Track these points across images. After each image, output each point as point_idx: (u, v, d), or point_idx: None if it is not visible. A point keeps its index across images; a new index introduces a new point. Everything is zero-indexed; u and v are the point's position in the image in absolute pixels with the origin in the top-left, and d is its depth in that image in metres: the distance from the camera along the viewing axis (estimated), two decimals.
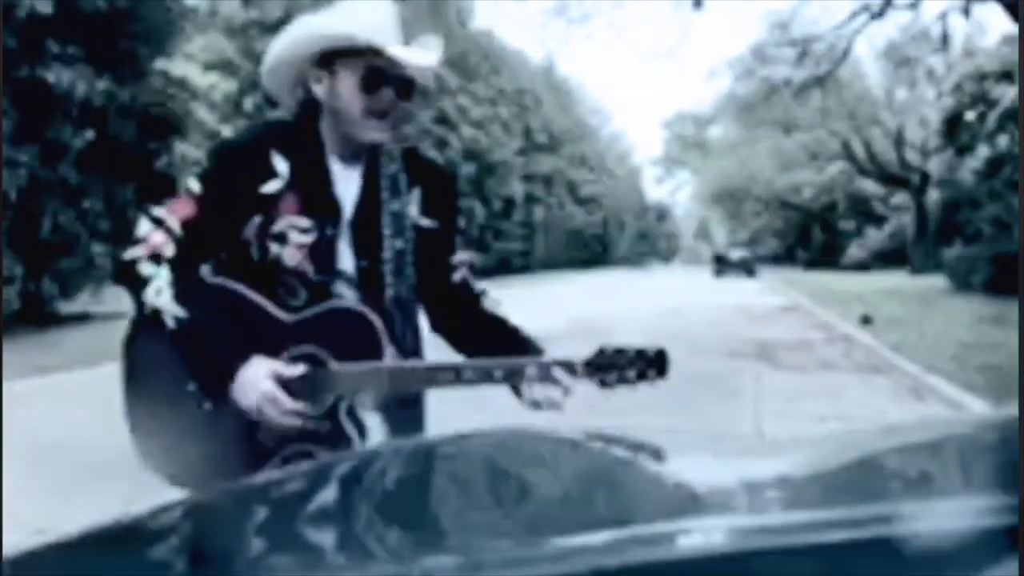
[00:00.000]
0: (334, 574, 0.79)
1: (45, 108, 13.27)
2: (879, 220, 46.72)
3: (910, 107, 38.76)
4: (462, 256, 1.95)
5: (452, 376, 1.75)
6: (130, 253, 1.77)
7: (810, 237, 55.16)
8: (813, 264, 50.60)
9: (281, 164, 1.80)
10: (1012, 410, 1.32)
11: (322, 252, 1.81)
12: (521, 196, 49.15)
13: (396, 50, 1.75)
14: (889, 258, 42.30)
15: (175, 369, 1.78)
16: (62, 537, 0.91)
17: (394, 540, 0.89)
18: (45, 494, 4.43)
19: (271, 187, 1.79)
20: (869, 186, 45.08)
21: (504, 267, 40.78)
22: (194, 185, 1.81)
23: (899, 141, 38.10)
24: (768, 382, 8.88)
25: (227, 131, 25.54)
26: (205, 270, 1.87)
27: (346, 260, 1.83)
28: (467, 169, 40.24)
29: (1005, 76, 20.66)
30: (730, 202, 58.28)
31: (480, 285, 1.98)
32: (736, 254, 48.50)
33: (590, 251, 62.32)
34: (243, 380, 1.72)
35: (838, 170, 45.14)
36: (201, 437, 1.78)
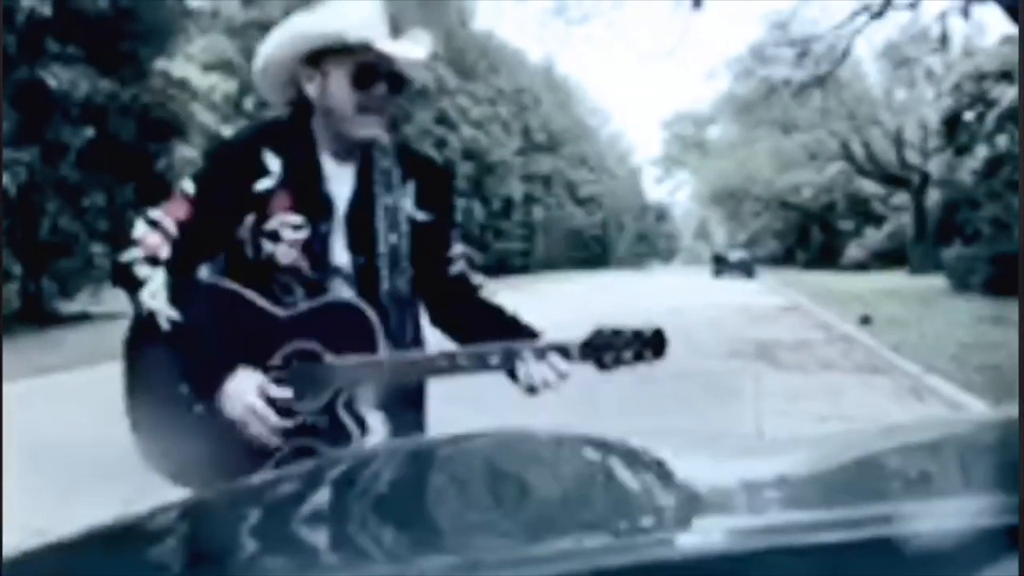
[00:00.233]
0: (331, 574, 0.79)
1: (45, 108, 13.27)
2: (878, 220, 46.71)
3: (909, 107, 38.76)
4: (459, 249, 1.96)
5: (448, 364, 1.76)
6: (126, 255, 1.78)
7: (809, 237, 55.14)
8: (812, 264, 50.58)
9: (273, 162, 1.81)
10: (1012, 410, 1.32)
11: (316, 249, 1.81)
12: (520, 196, 49.15)
13: (386, 45, 1.76)
14: (888, 258, 42.28)
15: (171, 370, 1.79)
16: (61, 537, 0.91)
17: (391, 541, 0.89)
18: (45, 494, 4.43)
19: (263, 185, 1.80)
20: (868, 186, 45.07)
21: (503, 267, 40.77)
22: (188, 186, 1.82)
23: (898, 141, 38.10)
24: (768, 382, 8.88)
25: (227, 132, 25.55)
26: (203, 271, 1.87)
27: (341, 256, 1.84)
28: (466, 169, 40.24)
29: (1004, 76, 20.66)
30: (729, 202, 58.26)
31: (478, 278, 1.98)
32: (735, 255, 48.48)
33: (589, 251, 62.32)
34: (229, 392, 1.73)
35: (837, 170, 45.11)
36: (198, 437, 1.78)
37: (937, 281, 23.82)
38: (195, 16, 17.99)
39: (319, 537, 0.98)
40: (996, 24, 40.09)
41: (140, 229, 1.79)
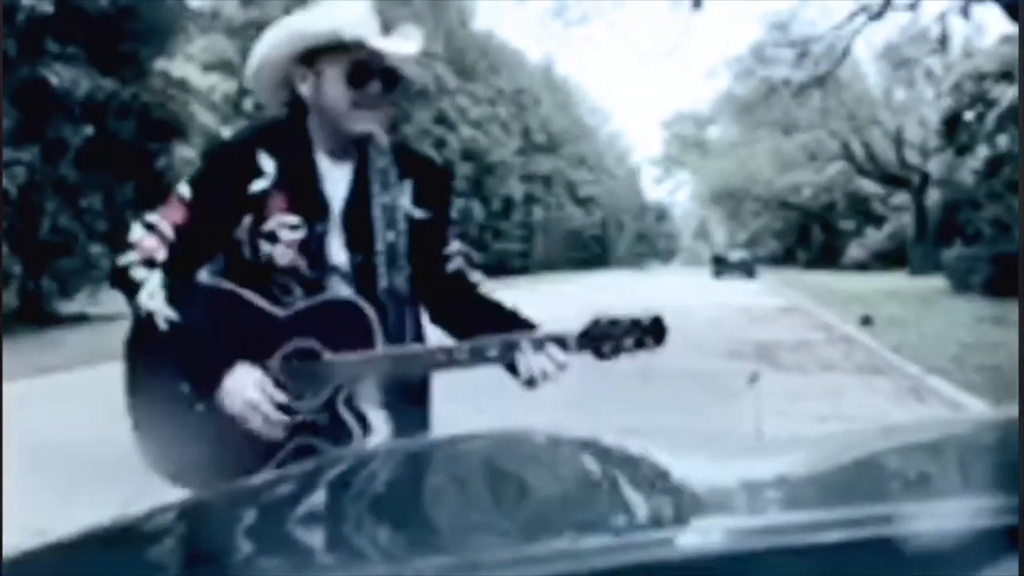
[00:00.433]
0: (330, 575, 0.79)
1: (45, 107, 13.27)
2: (879, 220, 46.70)
3: (909, 107, 38.77)
4: (456, 246, 1.96)
5: (446, 358, 1.76)
6: (123, 259, 1.79)
7: (810, 237, 55.14)
8: (813, 264, 50.58)
9: (268, 163, 1.81)
10: (1012, 411, 1.32)
11: (313, 248, 1.82)
12: (520, 196, 49.16)
13: (378, 42, 1.77)
14: (889, 258, 42.28)
15: (171, 371, 1.79)
16: (61, 537, 0.91)
17: (390, 541, 0.89)
18: (45, 494, 4.43)
19: (259, 186, 1.80)
20: (869, 186, 45.06)
21: (503, 267, 40.77)
22: (184, 189, 1.82)
23: (898, 141, 38.10)
24: (768, 383, 8.87)
25: (227, 132, 25.55)
26: (203, 274, 1.88)
27: (339, 255, 1.84)
28: (466, 169, 40.25)
29: (1004, 76, 20.66)
30: (729, 202, 58.25)
31: (476, 275, 1.98)
32: (736, 255, 48.41)
33: (589, 251, 62.33)
34: (228, 388, 1.73)
35: (837, 170, 45.11)
36: (199, 437, 1.79)
37: (937, 281, 23.83)
38: (195, 16, 17.99)
39: (318, 538, 0.98)
40: (996, 24, 40.08)
41: (137, 233, 1.80)
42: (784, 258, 57.09)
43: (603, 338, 1.74)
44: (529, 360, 1.73)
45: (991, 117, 21.15)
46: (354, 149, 1.87)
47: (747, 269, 44.29)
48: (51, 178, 13.61)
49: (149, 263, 1.77)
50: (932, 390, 8.13)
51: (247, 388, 1.73)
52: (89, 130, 13.78)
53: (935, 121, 29.74)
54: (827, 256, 49.80)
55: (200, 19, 19.04)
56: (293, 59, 1.81)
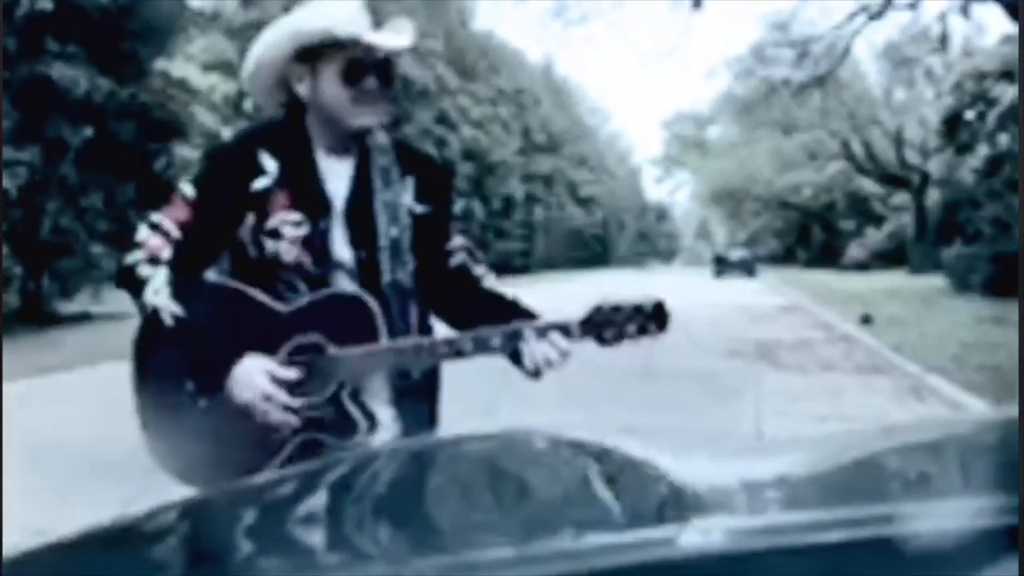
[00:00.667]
0: (330, 574, 0.79)
1: (45, 105, 13.27)
2: (879, 220, 46.67)
3: (909, 107, 38.76)
4: (459, 241, 1.97)
5: (449, 349, 1.77)
6: (129, 258, 1.81)
7: (810, 237, 55.12)
8: (813, 264, 50.57)
9: (269, 163, 1.83)
10: (1012, 410, 1.32)
11: (316, 244, 1.83)
12: (521, 196, 49.17)
13: (372, 37, 1.79)
14: (889, 258, 42.24)
15: (177, 368, 1.81)
16: (61, 537, 0.91)
17: (392, 541, 0.89)
18: (45, 494, 4.43)
19: (261, 184, 1.82)
20: (869, 186, 45.03)
21: (504, 267, 40.76)
22: (187, 189, 1.84)
23: (898, 141, 38.08)
24: (768, 382, 8.88)
25: (227, 132, 25.55)
26: (209, 275, 1.89)
27: (343, 251, 1.86)
28: (467, 169, 40.26)
29: (1005, 75, 20.65)
30: (729, 202, 58.23)
31: (480, 269, 1.99)
32: (736, 254, 48.40)
33: (590, 251, 62.35)
34: (237, 377, 1.74)
35: (837, 170, 45.10)
36: (206, 434, 1.80)
37: (937, 281, 23.81)
38: (195, 16, 17.99)
39: (318, 537, 0.98)
40: (996, 23, 40.07)
41: (143, 232, 1.82)
42: (784, 257, 57.07)
43: (605, 324, 1.74)
44: (533, 349, 1.74)
45: (992, 116, 21.14)
46: (354, 146, 1.88)
47: (747, 268, 44.28)
48: (52, 178, 13.61)
49: (154, 261, 1.78)
50: (932, 390, 8.12)
51: (256, 376, 1.74)
52: (89, 131, 13.78)
53: (935, 120, 29.73)
54: (827, 256, 49.77)
55: (200, 19, 19.02)
56: (289, 59, 1.83)
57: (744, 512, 0.87)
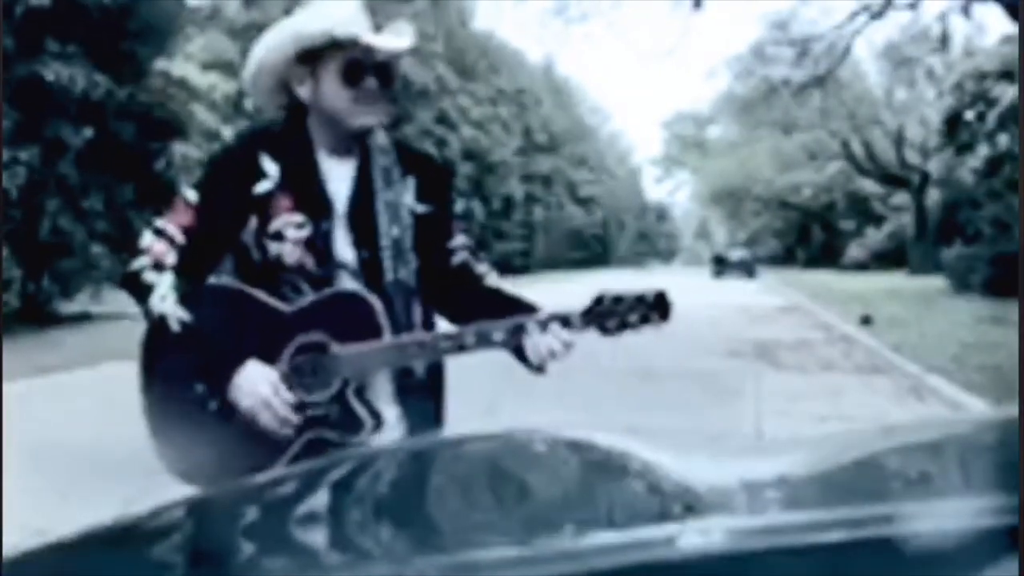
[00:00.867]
0: (331, 574, 0.79)
1: (43, 105, 13.26)
2: (879, 220, 46.67)
3: (910, 107, 38.76)
4: (460, 240, 1.99)
5: (452, 344, 1.79)
6: (135, 264, 1.82)
7: (810, 237, 55.12)
8: (813, 264, 50.57)
9: (270, 166, 1.85)
10: (1012, 410, 1.32)
11: (319, 246, 1.84)
12: (521, 196, 49.17)
13: (371, 38, 1.80)
14: (889, 258, 42.24)
15: (186, 372, 1.82)
16: (62, 537, 0.91)
17: (392, 541, 0.89)
18: (45, 494, 4.43)
19: (263, 187, 1.84)
20: (869, 186, 45.03)
21: (504, 267, 40.75)
22: (190, 194, 1.86)
23: (899, 141, 38.08)
24: (768, 382, 8.88)
25: (227, 132, 25.56)
26: (213, 279, 1.91)
27: (346, 252, 1.87)
28: (467, 169, 40.26)
29: (1005, 75, 20.65)
30: (729, 202, 58.24)
31: (482, 267, 2.00)
32: (736, 255, 48.40)
33: (590, 251, 62.33)
34: (239, 384, 1.76)
35: (837, 170, 45.11)
36: (213, 435, 1.81)
37: (937, 281, 23.83)
38: (194, 15, 17.98)
39: (319, 537, 0.98)
40: (997, 23, 40.08)
41: (147, 238, 1.83)
42: (784, 258, 57.07)
43: (608, 315, 1.75)
44: (536, 341, 1.75)
45: (992, 116, 21.14)
46: (356, 147, 1.90)
47: (747, 269, 44.27)
48: (51, 178, 13.61)
49: (159, 266, 1.80)
50: (932, 390, 8.13)
51: (258, 384, 1.75)
52: (89, 131, 13.77)
53: (936, 120, 29.74)
54: (827, 256, 49.78)
55: (199, 18, 19.02)
56: (290, 61, 1.84)
57: (744, 512, 0.87)
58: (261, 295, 1.83)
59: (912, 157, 37.95)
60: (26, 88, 12.97)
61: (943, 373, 8.59)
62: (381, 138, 1.92)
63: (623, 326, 1.75)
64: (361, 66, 1.81)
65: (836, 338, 13.22)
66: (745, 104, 36.64)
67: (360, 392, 1.81)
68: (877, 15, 21.58)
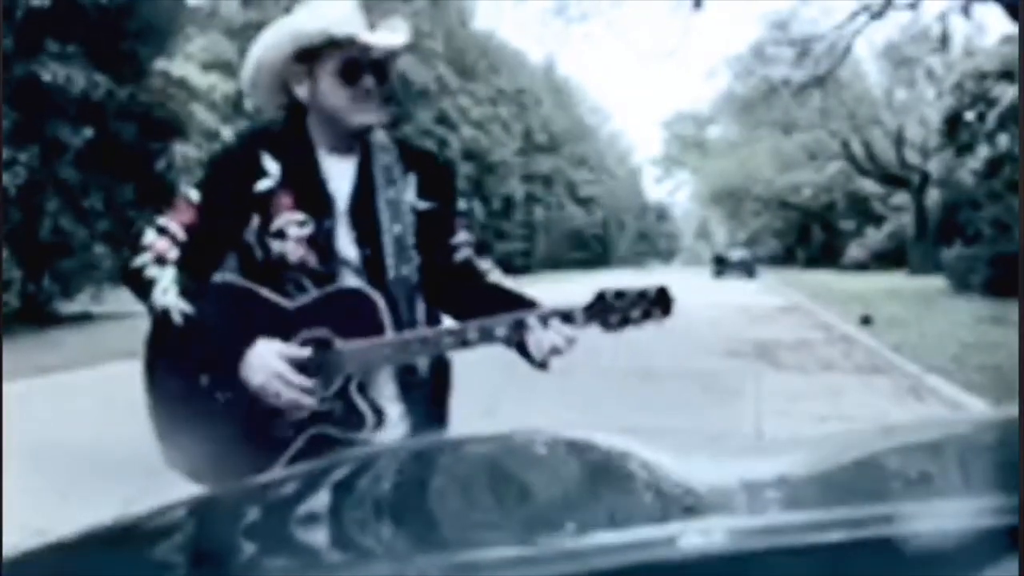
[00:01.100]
0: (333, 574, 0.79)
1: (43, 105, 13.26)
2: (879, 220, 46.66)
3: (910, 107, 38.75)
4: (463, 237, 1.99)
5: (454, 340, 1.79)
6: (137, 261, 1.83)
7: (810, 237, 55.12)
8: (813, 264, 50.57)
9: (271, 164, 1.86)
10: (1012, 410, 1.32)
11: (321, 243, 1.85)
12: (521, 196, 49.18)
13: (368, 36, 1.81)
14: (889, 258, 42.24)
15: (190, 366, 1.83)
16: (62, 537, 0.91)
17: (393, 540, 0.89)
18: (45, 494, 4.43)
19: (264, 185, 1.85)
20: (869, 186, 45.03)
21: (504, 267, 40.49)
22: (192, 193, 1.87)
23: (899, 141, 38.08)
24: (768, 382, 8.88)
25: (227, 131, 25.56)
26: (216, 277, 1.91)
27: (349, 249, 1.88)
28: (467, 169, 40.27)
29: (1005, 76, 20.64)
30: (729, 202, 58.23)
31: (485, 264, 2.00)
32: (736, 255, 48.39)
33: (590, 251, 62.36)
34: (251, 361, 1.76)
35: (838, 170, 45.11)
36: (218, 430, 1.82)
37: (937, 281, 23.82)
38: (193, 15, 17.98)
39: (320, 537, 0.98)
40: (997, 23, 40.08)
41: (149, 236, 1.84)
42: (784, 258, 57.07)
43: (610, 310, 1.76)
44: (538, 337, 1.75)
45: (992, 116, 21.14)
46: (356, 145, 1.91)
47: (747, 269, 44.26)
48: (51, 179, 13.61)
49: (161, 261, 1.81)
50: (932, 390, 8.13)
51: (269, 357, 1.75)
52: (89, 131, 13.77)
53: (936, 121, 29.74)
54: (827, 256, 49.78)
55: (199, 18, 19.01)
56: (287, 61, 1.85)
57: (744, 512, 0.87)
58: (264, 291, 1.84)
59: (912, 157, 37.95)
60: (25, 88, 12.97)
61: (943, 373, 8.59)
62: (381, 136, 1.93)
63: (625, 322, 1.75)
64: (358, 64, 1.82)
65: (836, 338, 13.22)
66: (745, 104, 36.63)
67: (363, 388, 1.82)
68: (877, 15, 21.59)
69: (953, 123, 24.03)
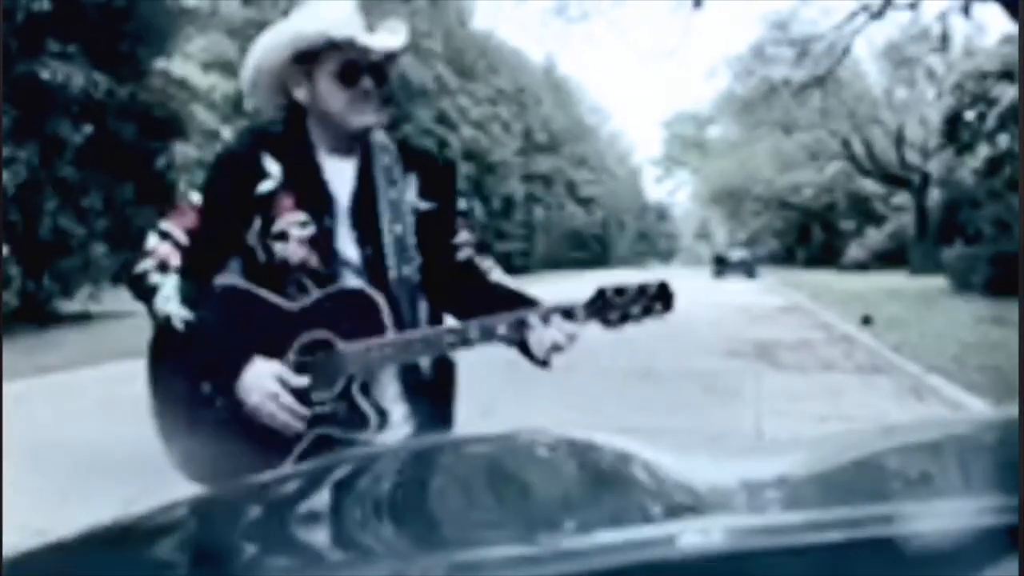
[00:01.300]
0: (333, 573, 0.79)
1: (43, 104, 13.26)
2: (879, 220, 46.66)
3: (910, 107, 38.73)
4: (465, 236, 1.99)
5: (456, 339, 1.79)
6: (139, 266, 1.84)
7: (810, 237, 55.11)
8: (813, 264, 50.56)
9: (272, 166, 1.86)
10: (1012, 410, 1.32)
11: (323, 243, 1.85)
12: (521, 196, 49.19)
13: (366, 39, 1.82)
14: (889, 258, 42.23)
15: (192, 372, 1.84)
16: (62, 537, 0.91)
17: (395, 540, 0.89)
18: (45, 494, 4.43)
19: (265, 187, 1.85)
20: (869, 186, 45.02)
21: (504, 267, 40.58)
22: (194, 197, 1.88)
23: (899, 141, 38.07)
24: (768, 382, 8.89)
25: (227, 131, 25.56)
26: (219, 279, 1.91)
27: (350, 250, 1.88)
28: (467, 169, 40.28)
29: (1005, 75, 20.64)
30: (730, 202, 58.23)
31: (487, 262, 2.00)
32: (736, 255, 48.36)
33: (590, 251, 62.38)
34: (247, 381, 1.77)
35: (838, 170, 45.09)
36: (222, 435, 1.82)
37: (938, 281, 23.82)
38: (193, 15, 17.98)
39: (321, 536, 0.98)
40: (997, 23, 40.09)
41: (152, 241, 1.85)
42: (784, 257, 57.07)
43: (610, 306, 1.75)
44: (539, 335, 1.75)
45: (992, 116, 21.14)
46: (357, 146, 1.91)
47: (747, 269, 44.25)
48: (51, 177, 13.61)
49: (164, 267, 1.82)
50: (932, 390, 8.12)
51: (265, 380, 1.76)
52: (88, 128, 13.78)
53: (936, 120, 29.74)
54: (827, 256, 49.77)
55: (198, 18, 19.00)
56: (286, 64, 1.85)
57: (744, 512, 0.87)
58: (266, 293, 1.84)
59: (912, 157, 37.94)
60: (25, 86, 12.97)
61: (943, 373, 8.59)
62: (382, 136, 1.93)
63: (625, 318, 1.75)
64: (357, 66, 1.82)
65: (836, 338, 13.22)
66: (745, 104, 36.61)
67: (366, 389, 1.82)
68: (877, 15, 21.60)
69: (953, 123, 24.03)
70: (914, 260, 35.22)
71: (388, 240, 1.88)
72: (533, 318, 1.75)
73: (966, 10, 19.37)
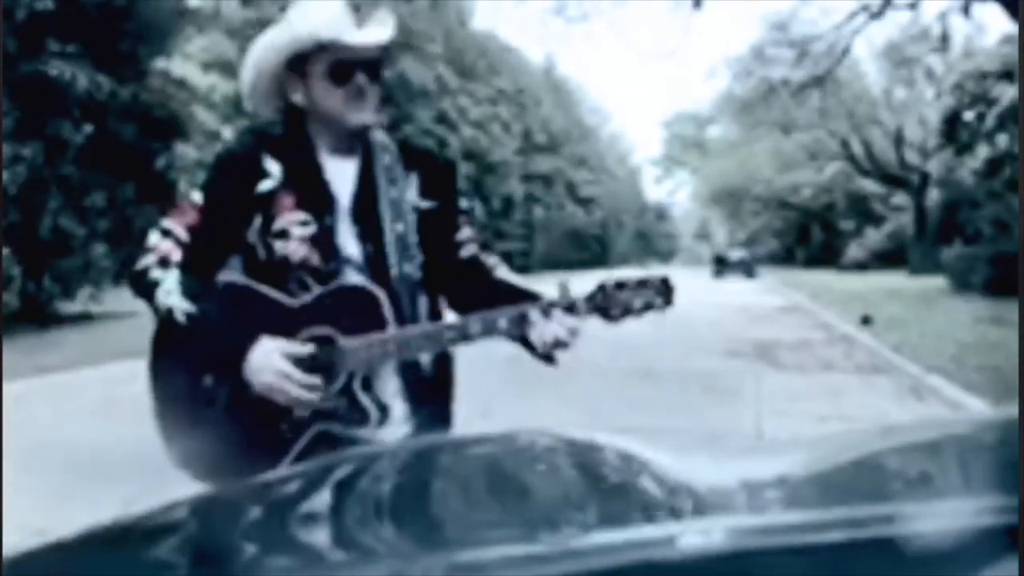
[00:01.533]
0: (334, 573, 0.79)
1: (45, 103, 13.26)
2: (879, 220, 46.65)
3: (909, 107, 38.72)
4: (467, 233, 1.99)
5: (457, 334, 1.78)
6: (141, 262, 1.84)
7: (809, 237, 55.10)
8: (812, 264, 50.56)
9: (273, 166, 1.87)
10: (1012, 410, 1.32)
11: (324, 241, 1.86)
12: (521, 196, 49.19)
13: (355, 37, 1.83)
14: (889, 258, 42.22)
15: (193, 366, 1.84)
16: (62, 537, 0.91)
17: (395, 540, 0.89)
18: (44, 494, 4.43)
19: (265, 186, 1.86)
20: (868, 186, 45.00)
21: None
22: (196, 196, 1.89)
23: (898, 141, 38.06)
24: (768, 382, 8.88)
25: (227, 131, 25.57)
26: (221, 276, 1.92)
27: (351, 247, 1.88)
28: (467, 169, 40.27)
29: (1005, 75, 20.64)
30: (729, 202, 58.22)
31: (492, 259, 2.01)
32: (736, 255, 48.37)
33: (589, 251, 62.36)
34: (254, 361, 1.76)
35: (837, 170, 45.07)
36: (222, 430, 1.82)
37: (937, 281, 23.82)
38: (193, 15, 17.99)
39: (322, 536, 0.98)
40: (997, 23, 40.10)
41: (153, 238, 1.86)
42: (784, 257, 57.06)
43: (611, 300, 1.75)
44: (541, 329, 1.75)
45: (991, 116, 21.13)
46: (357, 146, 1.92)
47: (747, 269, 44.26)
48: (52, 177, 13.61)
49: (165, 263, 1.82)
50: (932, 390, 8.12)
51: (273, 356, 1.76)
52: (89, 128, 13.78)
53: (935, 121, 29.72)
54: (827, 256, 49.75)
55: (199, 18, 19.02)
56: (282, 69, 1.86)
57: (744, 512, 0.87)
58: (267, 289, 1.85)
59: (912, 157, 37.93)
60: (27, 86, 12.97)
61: (943, 373, 8.59)
62: (382, 136, 1.94)
63: (627, 312, 1.75)
64: (348, 65, 1.83)
65: (836, 338, 13.22)
66: (745, 104, 36.60)
67: (367, 385, 1.83)
68: (877, 15, 21.59)
69: (953, 123, 24.01)
70: (913, 260, 35.22)
71: (390, 238, 1.88)
72: (534, 312, 1.75)
73: (966, 10, 19.37)
